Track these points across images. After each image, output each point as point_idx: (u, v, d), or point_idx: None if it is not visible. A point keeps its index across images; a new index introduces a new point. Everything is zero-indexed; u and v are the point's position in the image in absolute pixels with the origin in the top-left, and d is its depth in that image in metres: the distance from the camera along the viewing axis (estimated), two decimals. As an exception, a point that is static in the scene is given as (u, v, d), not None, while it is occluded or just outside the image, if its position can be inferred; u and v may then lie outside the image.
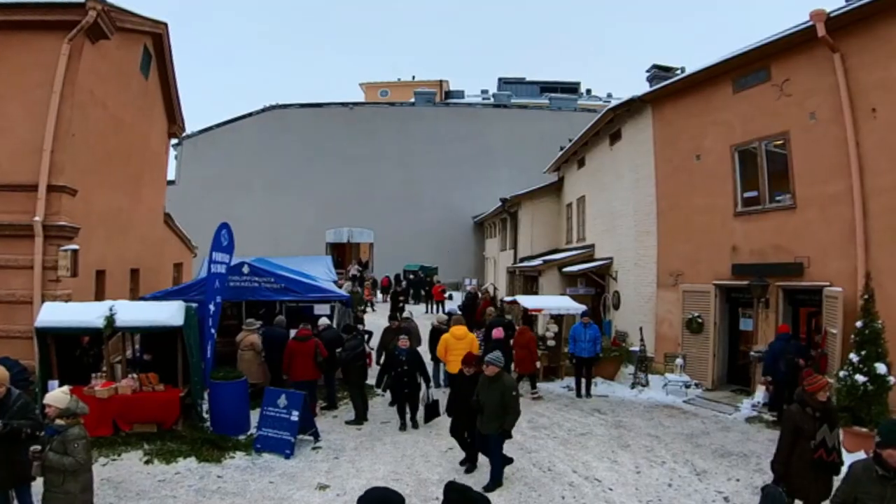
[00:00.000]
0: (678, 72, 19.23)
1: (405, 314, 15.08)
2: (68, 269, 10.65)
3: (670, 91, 15.15)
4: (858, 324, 9.45)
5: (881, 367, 9.01)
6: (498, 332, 12.95)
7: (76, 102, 11.32)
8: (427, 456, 9.28)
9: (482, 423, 7.97)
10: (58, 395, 5.61)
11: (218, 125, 40.28)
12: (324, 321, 12.39)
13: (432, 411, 10.70)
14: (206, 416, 10.18)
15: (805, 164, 11.63)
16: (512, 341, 13.54)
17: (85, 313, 9.44)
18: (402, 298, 27.06)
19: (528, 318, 15.51)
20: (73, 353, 10.27)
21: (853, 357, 9.32)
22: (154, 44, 15.88)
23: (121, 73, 13.88)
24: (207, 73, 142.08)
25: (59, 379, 9.12)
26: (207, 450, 8.96)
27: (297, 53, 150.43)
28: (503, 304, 20.83)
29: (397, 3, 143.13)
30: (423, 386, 10.87)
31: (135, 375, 9.79)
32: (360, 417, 10.99)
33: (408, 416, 10.74)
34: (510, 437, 8.19)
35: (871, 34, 10.25)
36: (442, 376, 13.31)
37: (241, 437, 9.65)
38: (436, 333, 13.11)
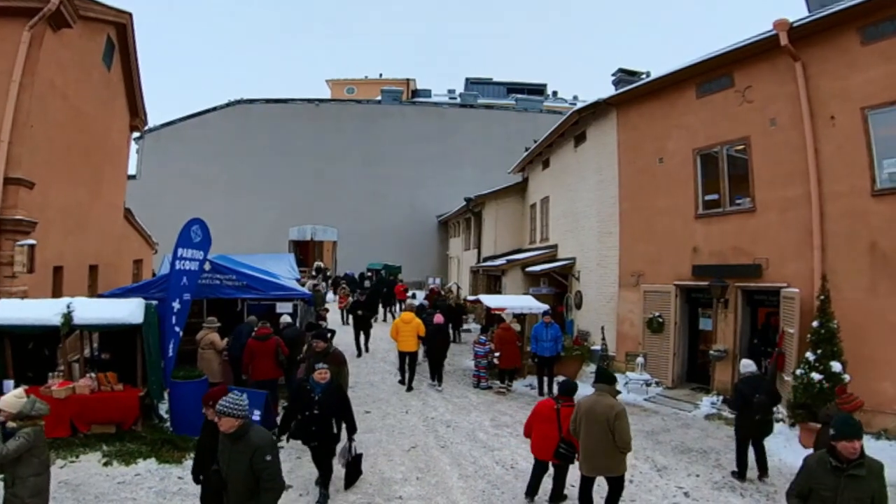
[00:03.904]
0: (643, 76, 19.50)
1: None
2: (25, 264, 10.35)
3: (635, 95, 15.36)
4: (815, 324, 9.83)
5: (836, 366, 9.40)
6: (438, 318, 13.13)
7: (36, 93, 11.00)
8: (390, 455, 9.27)
9: None
10: (9, 399, 5.40)
11: (181, 119, 39.42)
12: (285, 319, 12.30)
13: (354, 469, 8.07)
14: (166, 416, 10.00)
15: (765, 169, 11.93)
16: (494, 337, 14.02)
17: (42, 310, 9.15)
18: (360, 312, 17.74)
19: (492, 317, 15.58)
20: (39, 349, 9.99)
21: (809, 356, 9.70)
22: (118, 34, 15.51)
23: (83, 64, 13.53)
24: (172, 65, 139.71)
25: (14, 379, 8.88)
26: (168, 451, 8.79)
27: (262, 48, 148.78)
28: (442, 293, 23.69)
29: (365, 0, 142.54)
30: (345, 437, 7.92)
31: (93, 375, 9.55)
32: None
33: (316, 484, 7.67)
34: None
35: (832, 45, 10.59)
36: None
37: (203, 437, 9.47)
38: None
